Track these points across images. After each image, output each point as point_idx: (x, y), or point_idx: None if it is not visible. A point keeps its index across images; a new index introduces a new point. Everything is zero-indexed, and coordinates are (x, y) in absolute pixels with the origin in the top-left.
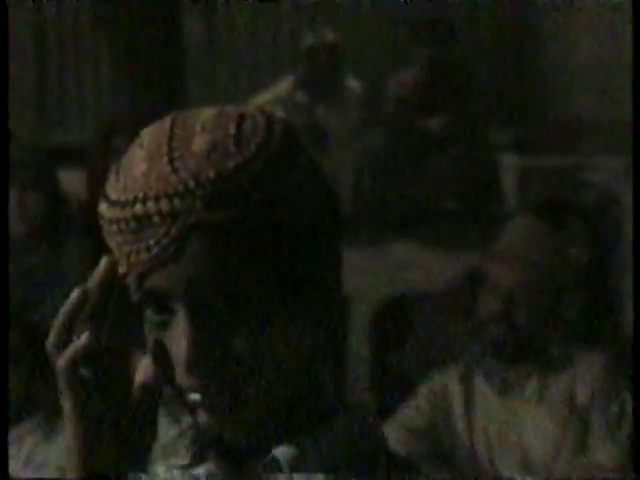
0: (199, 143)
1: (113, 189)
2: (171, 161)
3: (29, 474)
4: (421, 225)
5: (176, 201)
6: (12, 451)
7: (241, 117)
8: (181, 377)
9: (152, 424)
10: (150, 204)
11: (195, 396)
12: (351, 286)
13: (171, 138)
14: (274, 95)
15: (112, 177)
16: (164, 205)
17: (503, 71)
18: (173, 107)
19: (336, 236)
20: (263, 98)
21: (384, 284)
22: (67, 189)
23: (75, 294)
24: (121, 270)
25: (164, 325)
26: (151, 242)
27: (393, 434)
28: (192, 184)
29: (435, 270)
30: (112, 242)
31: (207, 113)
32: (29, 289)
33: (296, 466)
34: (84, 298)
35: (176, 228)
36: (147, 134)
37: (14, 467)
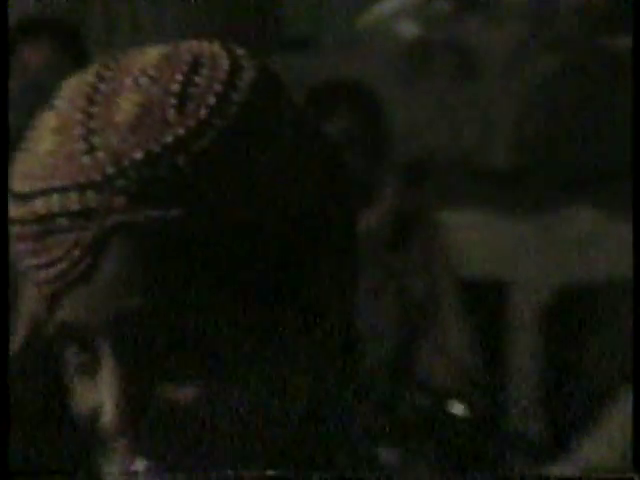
0: (126, 107)
1: (17, 174)
2: (85, 135)
3: None
4: (608, 188)
5: (90, 195)
6: None
7: (195, 61)
8: (113, 440)
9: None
10: (55, 199)
11: (137, 464)
12: (512, 270)
13: (91, 98)
14: (403, 3)
15: (18, 155)
16: (73, 201)
17: None
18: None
19: (344, 233)
20: (388, 7)
21: (556, 267)
22: None
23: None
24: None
25: (89, 369)
26: (57, 254)
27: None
28: (111, 170)
29: (626, 249)
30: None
31: (149, 56)
32: None
33: None
34: None
35: (90, 234)
36: (66, 88)
37: None
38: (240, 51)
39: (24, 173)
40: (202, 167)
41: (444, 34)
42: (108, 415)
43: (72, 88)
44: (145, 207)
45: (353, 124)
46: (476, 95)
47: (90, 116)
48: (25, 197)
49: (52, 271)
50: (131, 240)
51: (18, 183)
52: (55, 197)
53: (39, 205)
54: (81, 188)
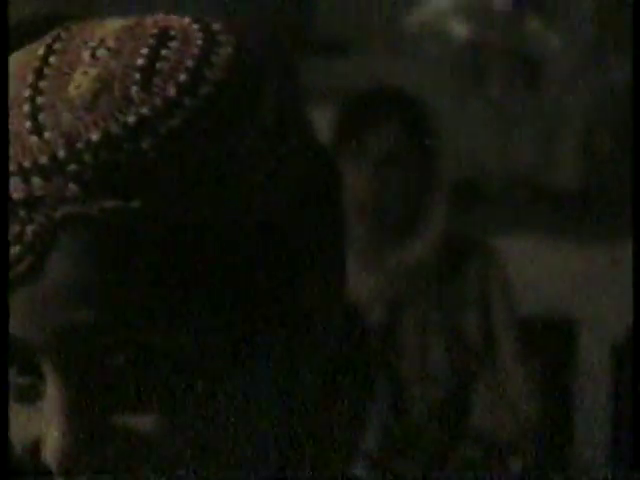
0: (81, 81)
1: None
2: (33, 113)
3: None
4: None
5: (35, 181)
6: None
7: (163, 35)
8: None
9: None
10: None
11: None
12: (579, 306)
13: (40, 72)
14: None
15: None
16: (16, 187)
17: None
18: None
19: (330, 242)
20: (437, 5)
21: (630, 302)
22: None
23: None
24: None
25: (29, 393)
26: None
27: None
28: (62, 153)
29: None
30: None
31: (110, 27)
32: None
33: None
34: None
35: (34, 227)
36: (14, 63)
37: None
38: (216, 25)
39: None
40: (169, 152)
41: (502, 36)
42: (51, 450)
43: (20, 62)
44: (102, 197)
45: (396, 138)
46: (538, 106)
47: (39, 92)
48: None
49: None
50: (84, 237)
51: None
52: None
53: None
54: (25, 173)
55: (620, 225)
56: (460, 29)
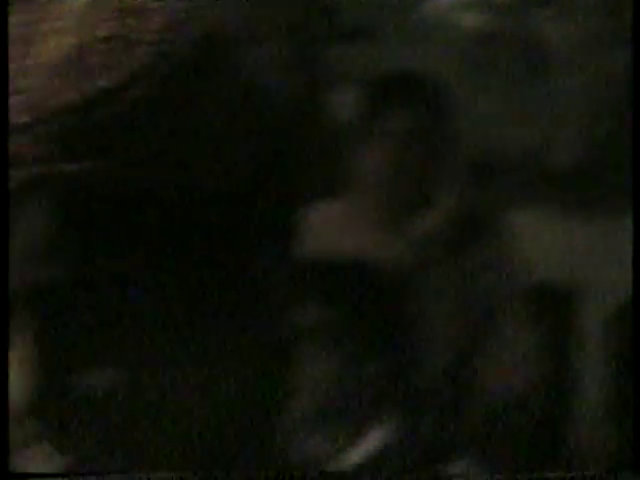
0: (51, 51)
1: None
2: (16, 75)
3: None
4: None
5: (11, 139)
6: None
7: (126, 11)
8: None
9: None
10: None
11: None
12: (579, 275)
13: (25, 39)
14: None
15: None
16: (9, 144)
17: None
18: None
19: (281, 222)
20: None
21: (625, 274)
22: None
23: None
24: None
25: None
26: None
27: None
28: (30, 116)
29: None
30: None
31: (74, 4)
32: None
33: None
34: None
35: (13, 184)
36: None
37: None
38: (178, 4)
39: None
40: (130, 121)
41: (511, 26)
42: (13, 402)
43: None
44: (62, 161)
45: (418, 117)
46: (537, 97)
47: (24, 56)
48: None
49: None
50: (51, 197)
51: None
52: None
53: None
54: (9, 132)
55: (617, 201)
56: (473, 18)
